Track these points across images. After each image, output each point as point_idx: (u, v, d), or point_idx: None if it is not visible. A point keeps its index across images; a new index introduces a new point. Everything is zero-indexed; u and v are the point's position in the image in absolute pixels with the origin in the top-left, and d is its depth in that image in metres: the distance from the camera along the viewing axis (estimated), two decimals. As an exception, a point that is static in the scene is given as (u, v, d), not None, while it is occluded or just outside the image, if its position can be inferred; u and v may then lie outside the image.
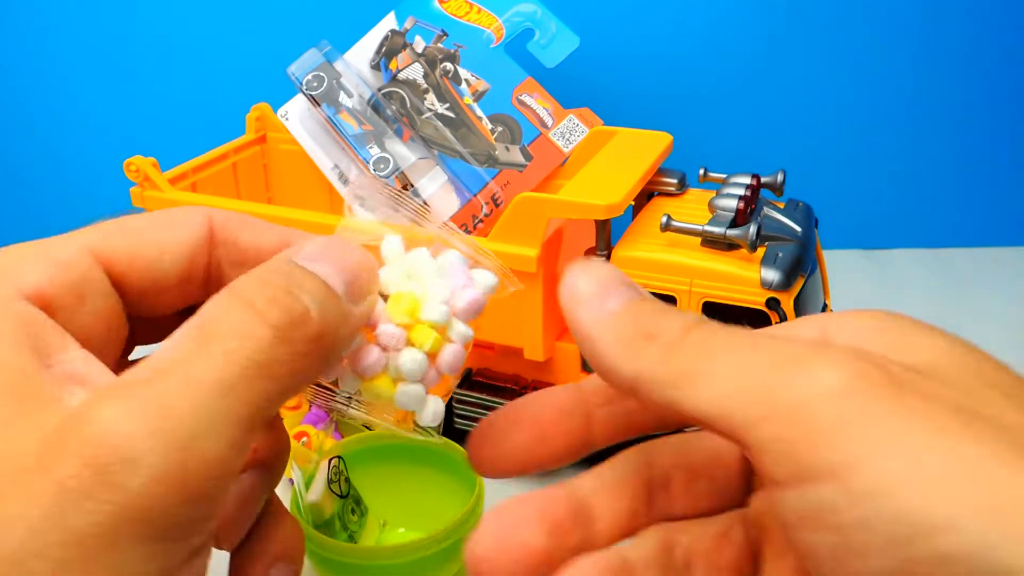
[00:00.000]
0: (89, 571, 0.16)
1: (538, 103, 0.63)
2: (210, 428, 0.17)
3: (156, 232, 0.22)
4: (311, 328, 0.19)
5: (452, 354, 0.23)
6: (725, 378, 0.18)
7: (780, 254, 0.47)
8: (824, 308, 0.54)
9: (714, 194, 0.51)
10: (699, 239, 0.48)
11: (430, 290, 0.23)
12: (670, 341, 0.19)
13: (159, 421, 0.16)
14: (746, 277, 0.46)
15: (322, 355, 0.20)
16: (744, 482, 0.23)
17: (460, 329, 0.23)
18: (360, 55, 0.66)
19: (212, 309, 0.19)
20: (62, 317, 0.20)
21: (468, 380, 0.56)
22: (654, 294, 0.47)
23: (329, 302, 0.20)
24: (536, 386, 0.55)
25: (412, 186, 0.60)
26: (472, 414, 0.55)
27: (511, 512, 0.21)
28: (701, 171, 0.55)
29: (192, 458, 0.17)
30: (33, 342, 0.18)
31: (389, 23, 0.66)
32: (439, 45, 0.64)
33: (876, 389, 0.16)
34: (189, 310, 0.21)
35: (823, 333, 0.21)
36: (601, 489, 0.22)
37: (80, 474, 0.16)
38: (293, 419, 0.57)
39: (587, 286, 0.21)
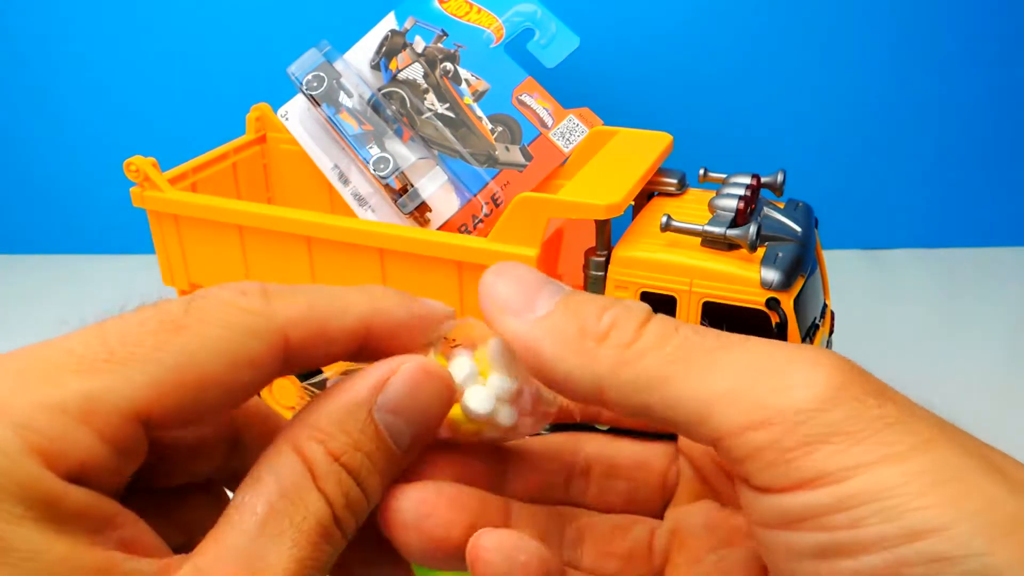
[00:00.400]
0: None
1: (538, 103, 0.63)
2: None
3: (224, 380, 0.18)
4: (364, 507, 0.19)
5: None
6: (703, 383, 0.17)
7: (780, 254, 0.47)
8: (824, 308, 0.54)
9: (714, 194, 0.50)
10: (699, 239, 0.48)
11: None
12: (626, 340, 0.18)
13: None
14: (746, 277, 0.46)
15: (361, 524, 0.19)
16: (661, 495, 0.24)
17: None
18: (360, 55, 0.66)
19: (278, 477, 0.18)
20: (94, 484, 0.17)
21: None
22: (654, 294, 0.47)
23: (389, 473, 0.19)
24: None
25: (412, 186, 0.60)
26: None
27: (427, 490, 0.20)
28: (701, 171, 0.55)
29: None
30: (81, 523, 0.16)
31: (389, 23, 0.66)
32: (439, 45, 0.64)
33: (862, 396, 0.17)
34: None
35: None
36: (522, 459, 0.22)
37: None
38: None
39: (508, 291, 0.19)
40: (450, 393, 0.20)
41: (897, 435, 0.16)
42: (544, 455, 0.23)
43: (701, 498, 0.23)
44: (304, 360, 0.20)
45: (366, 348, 0.20)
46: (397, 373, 0.19)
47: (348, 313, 0.20)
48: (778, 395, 0.17)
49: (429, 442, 0.20)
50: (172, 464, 0.21)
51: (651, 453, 0.24)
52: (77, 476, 0.17)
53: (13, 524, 0.15)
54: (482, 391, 0.21)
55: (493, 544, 0.19)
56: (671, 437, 0.24)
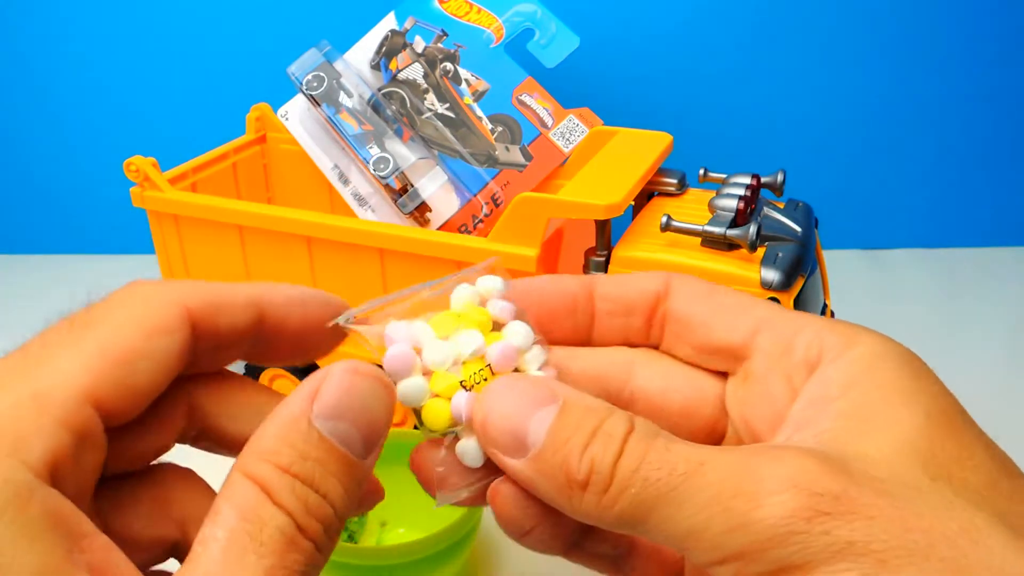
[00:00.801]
0: None
1: (538, 103, 0.63)
2: None
3: (144, 348, 0.20)
4: (327, 512, 0.19)
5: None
6: (673, 522, 0.18)
7: (780, 254, 0.47)
8: (824, 308, 0.54)
9: (714, 194, 0.50)
10: (699, 239, 0.48)
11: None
12: (603, 486, 0.19)
13: None
14: (746, 277, 0.46)
15: (339, 525, 0.19)
16: (706, 441, 0.24)
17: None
18: (360, 55, 0.66)
19: (235, 503, 0.18)
20: (65, 485, 0.18)
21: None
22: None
23: (348, 475, 0.19)
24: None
25: (412, 186, 0.60)
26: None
27: None
28: (701, 171, 0.55)
29: None
30: (54, 533, 0.17)
31: (389, 23, 0.66)
32: (439, 45, 0.64)
33: (817, 519, 0.17)
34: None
35: (800, 402, 0.21)
36: (565, 379, 0.23)
37: None
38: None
39: (504, 429, 0.20)
40: (388, 390, 0.20)
41: (846, 562, 0.17)
42: (592, 373, 0.24)
43: None
44: (211, 329, 0.21)
45: (265, 323, 0.22)
46: (326, 379, 0.19)
47: (240, 288, 0.22)
48: (736, 534, 0.18)
49: (383, 441, 0.21)
50: (132, 444, 0.22)
51: (702, 398, 0.24)
52: (54, 473, 0.17)
53: None
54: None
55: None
56: (724, 378, 0.24)
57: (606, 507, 0.19)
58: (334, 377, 0.20)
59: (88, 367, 0.19)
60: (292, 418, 0.19)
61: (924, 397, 0.19)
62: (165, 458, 0.23)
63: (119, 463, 0.21)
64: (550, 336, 0.24)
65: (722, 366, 0.24)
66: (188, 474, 0.24)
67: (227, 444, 0.23)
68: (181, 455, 0.24)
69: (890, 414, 0.19)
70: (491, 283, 0.23)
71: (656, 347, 0.25)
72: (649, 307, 0.24)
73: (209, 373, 0.23)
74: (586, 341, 0.25)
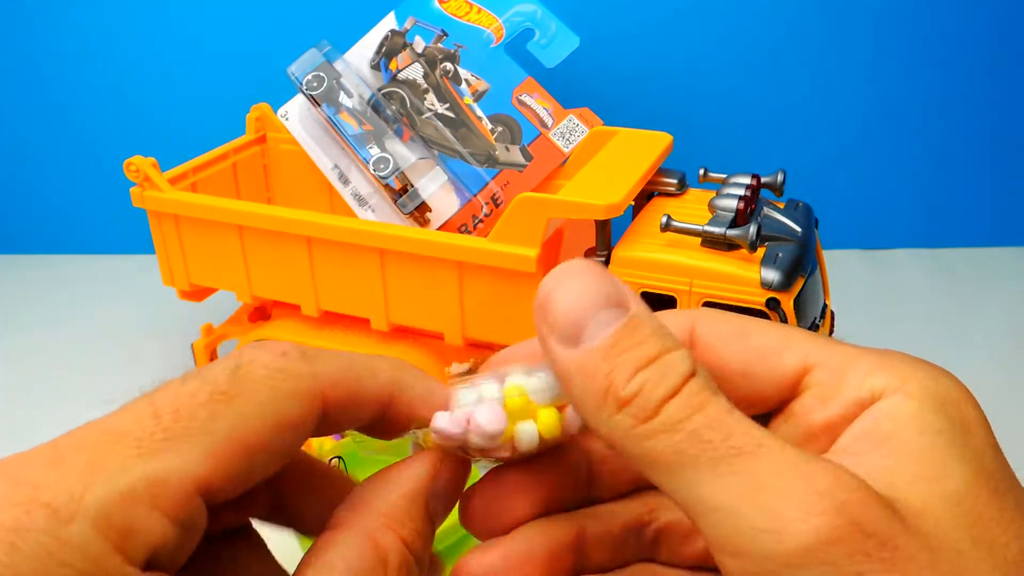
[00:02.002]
0: None
1: (538, 103, 0.63)
2: None
3: (269, 445, 0.19)
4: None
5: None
6: (698, 490, 0.17)
7: (780, 254, 0.47)
8: (824, 308, 0.54)
9: (714, 194, 0.50)
10: (699, 239, 0.48)
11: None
12: (644, 414, 0.18)
13: None
14: (746, 277, 0.46)
15: None
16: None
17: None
18: (360, 55, 0.66)
19: (352, 563, 0.18)
20: (165, 565, 0.18)
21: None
22: (654, 294, 0.47)
23: (427, 558, 0.20)
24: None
25: (412, 186, 0.60)
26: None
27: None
28: (701, 171, 0.55)
29: None
30: None
31: (389, 23, 0.66)
32: (439, 45, 0.64)
33: (840, 560, 0.16)
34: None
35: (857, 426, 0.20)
36: (598, 518, 0.23)
37: None
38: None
39: (565, 310, 0.19)
40: (466, 480, 0.21)
41: None
42: (620, 517, 0.23)
43: None
44: (336, 421, 0.20)
45: (386, 416, 0.21)
46: (445, 462, 0.21)
47: (377, 378, 0.21)
48: (756, 538, 0.17)
49: None
50: (217, 517, 0.21)
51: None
52: (151, 561, 0.17)
53: None
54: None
55: None
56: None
57: (637, 437, 0.18)
58: (450, 464, 0.21)
59: (212, 454, 0.18)
60: (417, 492, 0.20)
61: (973, 453, 0.18)
62: None
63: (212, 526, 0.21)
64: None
65: (765, 411, 0.22)
66: (257, 543, 0.23)
67: (295, 524, 0.23)
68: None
69: (941, 466, 0.18)
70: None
71: None
72: None
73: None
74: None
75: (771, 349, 0.21)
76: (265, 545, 0.23)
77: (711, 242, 0.47)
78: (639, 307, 0.19)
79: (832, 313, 0.55)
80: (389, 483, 0.20)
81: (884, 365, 0.20)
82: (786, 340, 0.21)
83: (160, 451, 0.17)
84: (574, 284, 0.19)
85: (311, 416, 0.19)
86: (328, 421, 0.20)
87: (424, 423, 0.22)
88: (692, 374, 0.18)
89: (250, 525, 0.23)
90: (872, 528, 0.16)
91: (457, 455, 0.21)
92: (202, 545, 0.20)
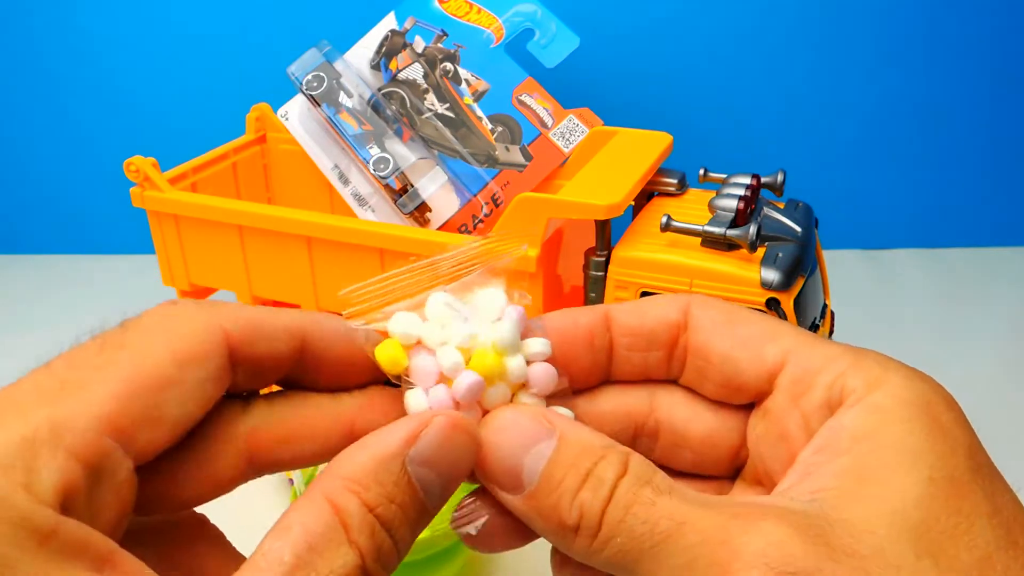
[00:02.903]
0: None
1: (538, 103, 0.63)
2: None
3: (177, 378, 0.19)
4: (393, 558, 0.19)
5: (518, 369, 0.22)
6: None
7: (780, 254, 0.47)
8: (824, 308, 0.54)
9: (714, 194, 0.50)
10: (699, 239, 0.48)
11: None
12: (592, 532, 0.19)
13: None
14: (746, 277, 0.46)
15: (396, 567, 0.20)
16: (729, 469, 0.24)
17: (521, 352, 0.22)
18: (360, 55, 0.66)
19: (308, 526, 0.18)
20: (81, 515, 0.17)
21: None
22: (654, 294, 0.47)
23: (419, 522, 0.20)
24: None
25: (412, 186, 0.60)
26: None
27: None
28: (701, 171, 0.55)
29: None
30: (75, 560, 0.16)
31: (389, 23, 0.66)
32: (439, 45, 0.64)
33: None
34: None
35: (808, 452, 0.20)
36: (589, 410, 0.24)
37: None
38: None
39: (499, 461, 0.20)
40: (476, 447, 0.20)
41: None
42: (615, 411, 0.24)
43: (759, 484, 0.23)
44: (249, 360, 0.21)
45: (306, 355, 0.22)
46: (429, 426, 0.20)
47: (283, 316, 0.22)
48: None
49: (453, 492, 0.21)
50: (181, 482, 0.21)
51: (725, 428, 0.23)
52: (65, 504, 0.17)
53: (22, 551, 0.15)
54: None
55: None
56: (749, 407, 0.23)
57: (595, 551, 0.19)
58: (437, 427, 0.20)
59: (113, 395, 0.18)
60: (388, 455, 0.19)
61: (933, 458, 0.18)
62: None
63: (170, 503, 0.21)
64: (568, 372, 0.23)
65: (745, 400, 0.23)
66: (214, 534, 0.23)
67: (284, 467, 0.23)
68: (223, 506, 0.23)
69: (891, 479, 0.18)
70: (535, 343, 0.23)
71: (676, 380, 0.24)
72: (669, 339, 0.23)
73: (258, 396, 0.23)
74: (605, 376, 0.24)
75: (754, 339, 0.22)
76: (223, 536, 0.23)
77: (711, 242, 0.47)
78: (563, 426, 0.20)
79: (832, 313, 0.55)
80: (361, 446, 0.19)
81: (858, 366, 0.20)
82: (770, 333, 0.22)
83: (60, 399, 0.18)
84: (501, 435, 0.20)
85: (214, 349, 0.20)
86: (239, 357, 0.20)
87: (349, 358, 0.22)
88: (622, 474, 0.19)
89: (217, 530, 0.23)
90: (797, 567, 0.17)
91: (453, 417, 0.20)
92: (160, 533, 0.21)
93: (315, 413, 0.22)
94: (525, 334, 0.23)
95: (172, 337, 0.19)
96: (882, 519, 0.18)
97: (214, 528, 0.23)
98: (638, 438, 0.24)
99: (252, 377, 0.21)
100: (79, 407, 0.18)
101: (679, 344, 0.23)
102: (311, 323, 0.22)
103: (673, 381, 0.24)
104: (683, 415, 0.24)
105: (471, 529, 0.22)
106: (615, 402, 0.24)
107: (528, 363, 0.23)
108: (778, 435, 0.22)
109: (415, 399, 0.22)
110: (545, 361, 0.23)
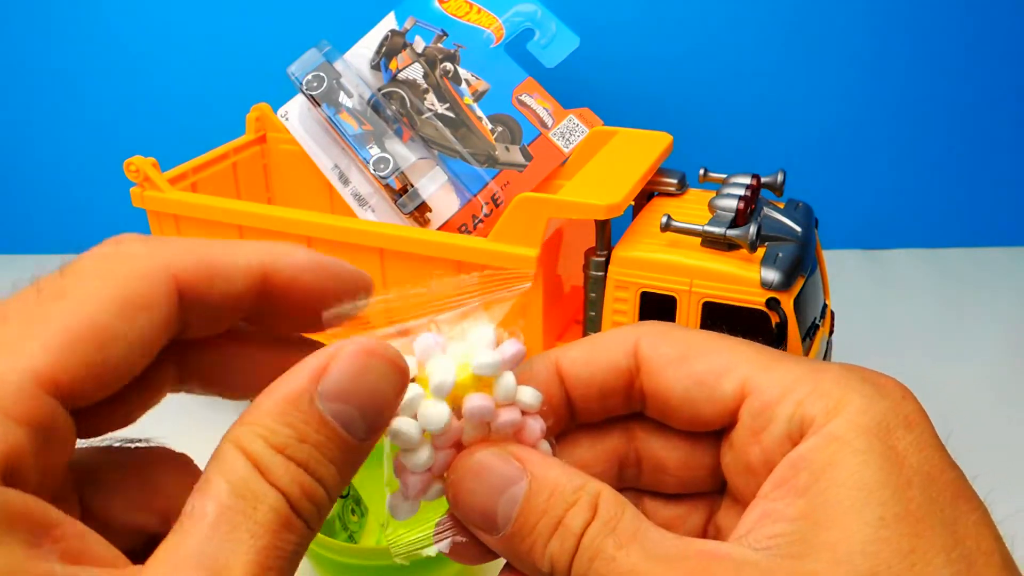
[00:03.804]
0: None
1: (538, 103, 0.63)
2: None
3: (121, 326, 0.18)
4: (320, 494, 0.18)
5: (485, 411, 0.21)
6: None
7: (780, 254, 0.47)
8: (824, 308, 0.54)
9: (714, 194, 0.50)
10: (699, 239, 0.48)
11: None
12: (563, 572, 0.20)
13: None
14: (746, 277, 0.46)
15: (331, 504, 0.19)
16: (713, 485, 0.24)
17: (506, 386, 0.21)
18: (360, 55, 0.66)
19: (228, 478, 0.17)
20: (25, 479, 0.16)
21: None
22: (654, 294, 0.47)
23: (345, 459, 0.18)
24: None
25: (412, 186, 0.60)
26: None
27: None
28: (701, 171, 0.55)
29: None
30: (11, 532, 0.15)
31: (389, 23, 0.66)
32: (439, 45, 0.64)
33: None
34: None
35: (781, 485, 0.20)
36: (576, 445, 0.24)
37: None
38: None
39: (473, 507, 0.20)
40: (402, 373, 0.19)
41: None
42: (596, 455, 0.24)
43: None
44: (202, 304, 0.19)
45: (267, 297, 0.20)
46: (337, 358, 0.18)
47: (240, 253, 0.20)
48: None
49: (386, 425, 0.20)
50: (110, 410, 0.20)
51: (698, 453, 0.23)
52: (8, 470, 0.16)
53: None
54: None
55: None
56: (718, 434, 0.23)
57: None
58: (345, 357, 0.18)
59: (49, 348, 0.17)
60: (294, 395, 0.18)
61: (887, 494, 0.18)
62: (159, 439, 0.22)
63: (97, 428, 0.20)
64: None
65: (713, 429, 0.23)
66: (181, 460, 0.22)
67: (225, 396, 0.22)
68: (179, 432, 0.22)
69: (842, 523, 0.18)
70: (517, 388, 0.22)
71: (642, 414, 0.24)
72: (623, 385, 0.23)
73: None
74: (571, 422, 0.24)
75: (711, 374, 0.22)
76: (194, 466, 0.22)
77: (711, 242, 0.47)
78: (536, 466, 0.20)
79: (832, 313, 0.55)
80: (268, 390, 0.18)
81: (818, 391, 0.20)
82: (726, 363, 0.22)
83: None
84: (473, 479, 0.20)
85: (160, 293, 0.18)
86: (189, 302, 0.19)
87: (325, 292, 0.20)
88: (588, 522, 0.19)
89: (188, 458, 0.22)
90: None
91: (363, 343, 0.19)
92: (121, 461, 0.20)
93: (257, 356, 0.22)
94: (521, 379, 0.22)
95: (113, 280, 0.18)
96: (832, 569, 0.17)
97: (175, 454, 0.22)
98: (624, 469, 0.24)
99: (206, 322, 0.20)
100: (12, 363, 0.16)
101: (635, 387, 0.23)
102: (273, 257, 0.20)
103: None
104: (657, 445, 0.24)
105: (443, 547, 0.21)
106: (595, 447, 0.24)
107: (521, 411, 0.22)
108: (744, 467, 0.22)
109: (405, 425, 0.20)
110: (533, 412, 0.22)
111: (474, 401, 0.20)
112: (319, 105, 0.63)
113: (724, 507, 0.24)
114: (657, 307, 0.48)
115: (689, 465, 0.23)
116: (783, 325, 0.45)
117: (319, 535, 0.43)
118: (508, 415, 0.21)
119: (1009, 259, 0.82)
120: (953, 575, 0.17)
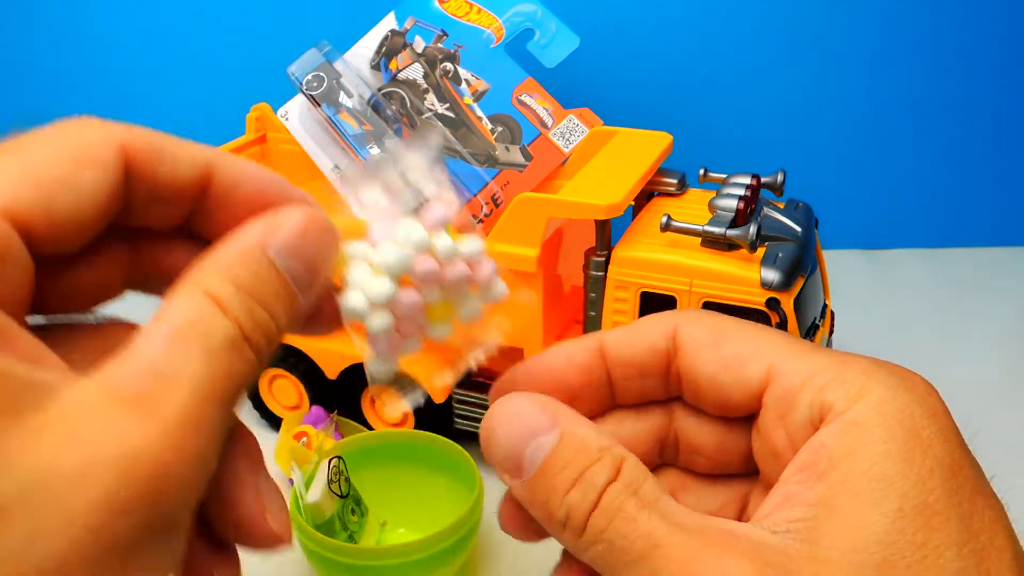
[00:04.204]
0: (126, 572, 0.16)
1: (538, 103, 0.63)
2: (207, 435, 0.18)
3: (71, 178, 0.20)
4: (271, 328, 0.19)
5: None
6: None
7: (780, 254, 0.47)
8: (824, 308, 0.54)
9: (714, 194, 0.51)
10: (699, 239, 0.48)
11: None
12: (577, 531, 0.20)
13: (182, 437, 0.17)
14: (746, 277, 0.46)
15: (277, 344, 0.20)
16: (747, 468, 0.24)
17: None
18: (360, 55, 0.66)
19: (184, 308, 0.18)
20: None
21: (468, 381, 0.56)
22: (654, 294, 0.47)
23: (291, 306, 0.20)
24: (536, 386, 0.55)
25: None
26: (472, 414, 0.55)
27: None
28: (701, 171, 0.55)
29: (198, 463, 0.17)
30: None
31: (389, 23, 0.66)
32: (439, 45, 0.64)
33: None
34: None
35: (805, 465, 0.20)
36: (620, 424, 0.25)
37: (119, 492, 0.16)
38: (293, 419, 0.57)
39: (503, 447, 0.21)
40: (336, 240, 0.21)
41: None
42: (637, 435, 0.25)
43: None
44: (149, 176, 0.21)
45: (211, 187, 0.21)
46: (285, 218, 0.20)
47: (189, 145, 0.22)
48: None
49: (321, 291, 0.21)
50: (70, 280, 0.21)
51: (730, 438, 0.24)
52: None
53: None
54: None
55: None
56: (750, 419, 0.24)
57: (580, 550, 0.20)
58: (293, 219, 0.20)
59: (8, 183, 0.18)
60: (250, 246, 0.20)
61: (907, 485, 0.18)
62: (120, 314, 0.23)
63: (60, 300, 0.21)
64: (573, 407, 0.23)
65: (742, 415, 0.23)
66: (134, 325, 0.22)
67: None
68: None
69: (860, 512, 0.18)
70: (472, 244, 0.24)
71: (680, 398, 0.25)
72: (661, 366, 0.24)
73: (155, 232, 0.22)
74: (612, 403, 0.25)
75: (739, 359, 0.22)
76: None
77: (711, 242, 0.47)
78: (568, 422, 0.21)
79: (832, 313, 0.55)
80: (221, 244, 0.20)
81: (839, 378, 0.20)
82: (754, 349, 0.22)
83: None
84: (508, 422, 0.21)
85: (109, 156, 0.20)
86: (141, 181, 0.20)
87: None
88: (611, 480, 0.20)
89: (122, 321, 0.23)
90: None
91: (307, 211, 0.21)
92: (80, 332, 0.21)
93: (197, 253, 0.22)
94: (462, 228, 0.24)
95: (67, 142, 0.20)
96: (847, 557, 0.18)
97: (130, 324, 0.22)
98: (664, 448, 0.25)
99: (151, 205, 0.21)
100: None
101: (672, 369, 0.24)
102: (219, 156, 0.22)
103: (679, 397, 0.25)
104: (693, 428, 0.24)
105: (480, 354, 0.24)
106: (637, 425, 0.25)
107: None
108: (770, 452, 0.22)
109: (354, 298, 0.22)
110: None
111: (420, 265, 0.22)
112: (319, 105, 0.63)
113: (756, 491, 0.24)
114: (657, 307, 0.48)
115: (723, 449, 0.24)
116: (783, 325, 0.45)
117: (319, 535, 0.43)
118: (454, 269, 0.23)
119: (1009, 259, 0.82)
120: (962, 569, 0.17)
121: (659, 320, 0.24)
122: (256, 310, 0.19)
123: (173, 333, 0.18)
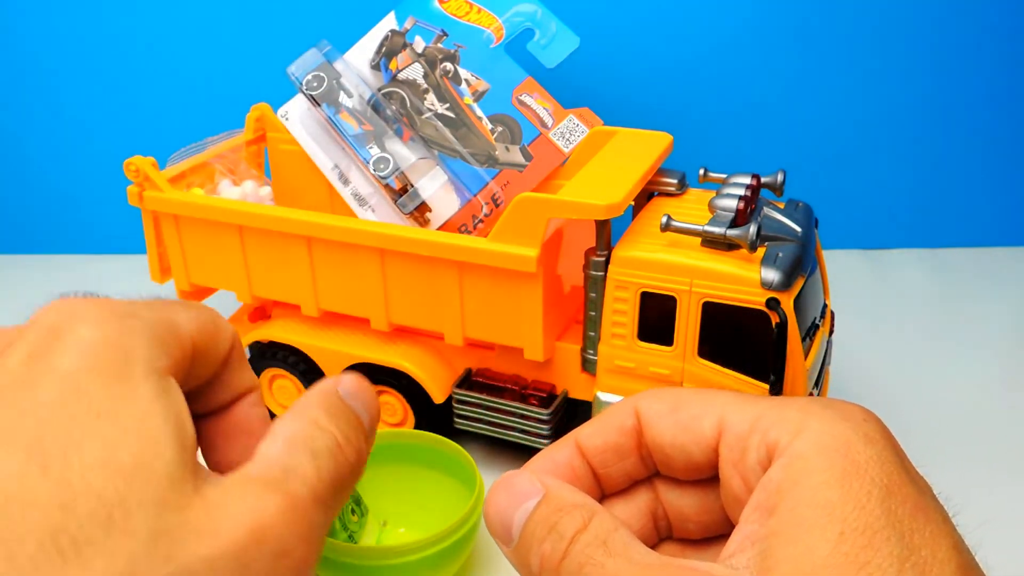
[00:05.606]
0: None
1: (538, 103, 0.63)
2: (323, 514, 0.21)
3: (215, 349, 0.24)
4: (358, 444, 0.23)
5: None
6: None
7: (780, 254, 0.47)
8: (824, 308, 0.54)
9: (714, 194, 0.50)
10: (699, 239, 0.48)
11: None
12: None
13: (303, 526, 0.20)
14: (746, 277, 0.46)
15: (364, 457, 0.23)
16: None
17: None
18: (360, 55, 0.66)
19: (292, 426, 0.22)
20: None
21: (468, 380, 0.56)
22: (654, 294, 0.48)
23: (361, 432, 0.23)
24: (536, 386, 0.55)
25: (412, 186, 0.60)
26: (472, 414, 0.55)
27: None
28: (701, 171, 0.55)
29: (315, 551, 0.21)
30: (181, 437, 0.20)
31: (389, 23, 0.66)
32: (439, 45, 0.64)
33: None
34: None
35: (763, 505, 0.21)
36: (612, 506, 0.26)
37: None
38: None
39: (494, 520, 0.23)
40: (373, 396, 0.25)
41: None
42: (629, 517, 0.26)
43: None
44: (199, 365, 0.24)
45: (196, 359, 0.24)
46: (344, 375, 0.24)
47: (221, 327, 0.25)
48: None
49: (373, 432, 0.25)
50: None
51: (708, 500, 0.25)
52: (172, 373, 0.21)
53: (180, 493, 0.18)
54: None
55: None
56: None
57: None
58: (351, 375, 0.24)
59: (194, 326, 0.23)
60: (326, 391, 0.23)
61: (847, 510, 0.19)
62: None
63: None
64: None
65: (709, 475, 0.25)
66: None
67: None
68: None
69: (805, 540, 0.19)
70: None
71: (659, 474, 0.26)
72: (634, 444, 0.25)
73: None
74: (601, 493, 0.26)
75: (694, 418, 0.24)
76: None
77: (711, 242, 0.47)
78: (550, 485, 0.23)
79: (832, 313, 0.55)
80: (307, 394, 0.23)
81: (782, 418, 0.22)
82: (706, 407, 0.24)
83: (165, 308, 0.23)
84: (501, 492, 0.23)
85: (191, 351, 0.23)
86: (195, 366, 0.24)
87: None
88: (580, 530, 0.21)
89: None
90: None
91: (355, 379, 0.25)
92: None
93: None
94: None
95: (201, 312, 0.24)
96: None
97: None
98: (657, 523, 0.26)
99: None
100: (181, 319, 0.23)
101: (643, 445, 0.25)
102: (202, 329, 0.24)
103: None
104: (675, 497, 0.26)
105: None
106: (628, 507, 0.26)
107: None
108: (733, 499, 0.23)
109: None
110: None
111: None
112: (319, 105, 0.63)
113: None
114: (657, 307, 0.48)
115: (706, 510, 0.25)
116: (783, 325, 0.45)
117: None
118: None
119: (1009, 259, 0.82)
120: None
121: (622, 404, 0.26)
122: (346, 427, 0.23)
123: (286, 449, 0.21)
